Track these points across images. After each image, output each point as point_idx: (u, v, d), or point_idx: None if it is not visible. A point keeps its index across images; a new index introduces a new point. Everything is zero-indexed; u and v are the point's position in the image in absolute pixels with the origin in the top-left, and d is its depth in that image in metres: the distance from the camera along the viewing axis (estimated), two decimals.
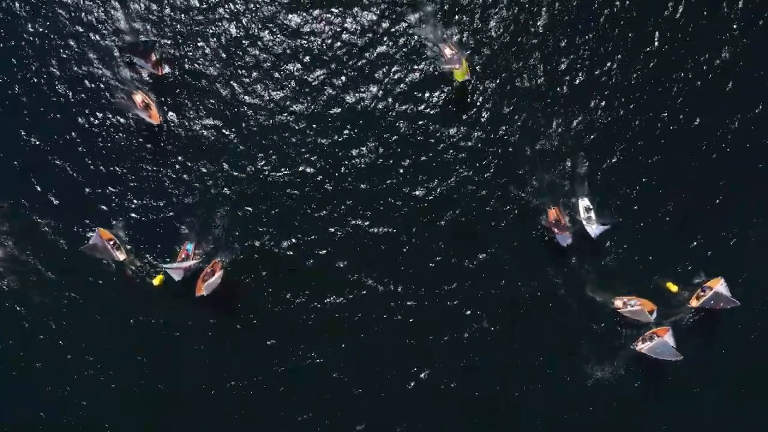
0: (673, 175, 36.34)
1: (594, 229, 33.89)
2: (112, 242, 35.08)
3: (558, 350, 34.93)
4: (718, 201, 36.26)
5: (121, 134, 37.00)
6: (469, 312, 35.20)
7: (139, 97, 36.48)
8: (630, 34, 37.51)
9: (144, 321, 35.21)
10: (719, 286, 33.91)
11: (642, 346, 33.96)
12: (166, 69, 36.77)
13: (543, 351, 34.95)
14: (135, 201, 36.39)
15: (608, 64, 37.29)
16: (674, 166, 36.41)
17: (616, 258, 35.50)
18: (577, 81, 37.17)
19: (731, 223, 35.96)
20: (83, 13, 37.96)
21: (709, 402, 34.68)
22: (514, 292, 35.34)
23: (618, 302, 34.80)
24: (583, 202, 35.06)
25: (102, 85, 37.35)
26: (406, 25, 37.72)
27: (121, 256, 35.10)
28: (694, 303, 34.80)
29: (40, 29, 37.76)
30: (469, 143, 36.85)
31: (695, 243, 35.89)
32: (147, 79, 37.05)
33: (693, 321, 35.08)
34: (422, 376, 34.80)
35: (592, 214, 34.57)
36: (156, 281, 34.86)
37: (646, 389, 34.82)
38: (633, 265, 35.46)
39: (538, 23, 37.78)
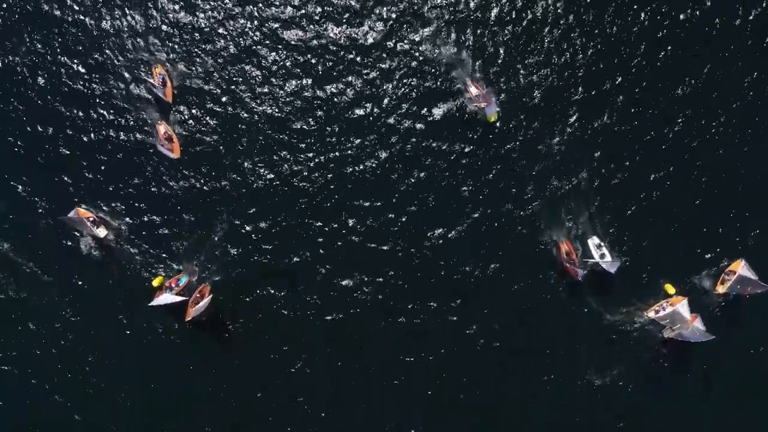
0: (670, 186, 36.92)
1: (610, 265, 33.77)
2: (91, 220, 35.98)
3: (559, 356, 34.78)
4: (713, 204, 36.63)
5: (128, 152, 38.17)
6: (474, 328, 35.34)
7: (162, 129, 37.29)
8: (653, 87, 38.20)
9: (138, 326, 35.74)
10: (741, 268, 33.44)
11: (671, 333, 33.53)
12: (174, 92, 38.05)
13: (545, 357, 34.82)
14: (133, 215, 37.17)
15: (633, 111, 37.82)
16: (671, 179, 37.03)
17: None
18: (599, 125, 37.71)
19: (729, 224, 36.22)
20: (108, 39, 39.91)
21: (713, 400, 34.29)
22: (517, 303, 35.48)
23: (651, 313, 34.42)
24: (593, 241, 35.13)
25: (122, 114, 38.60)
26: (431, 61, 38.31)
27: (101, 232, 36.03)
28: (720, 289, 34.51)
29: (66, 54, 39.54)
30: (487, 176, 37.09)
31: (695, 240, 36.14)
32: (159, 104, 38.06)
33: (720, 309, 34.87)
34: (425, 381, 34.73)
35: (605, 250, 34.64)
36: (156, 282, 35.38)
37: (648, 389, 34.45)
38: (632, 271, 35.34)
39: (566, 67, 38.52)
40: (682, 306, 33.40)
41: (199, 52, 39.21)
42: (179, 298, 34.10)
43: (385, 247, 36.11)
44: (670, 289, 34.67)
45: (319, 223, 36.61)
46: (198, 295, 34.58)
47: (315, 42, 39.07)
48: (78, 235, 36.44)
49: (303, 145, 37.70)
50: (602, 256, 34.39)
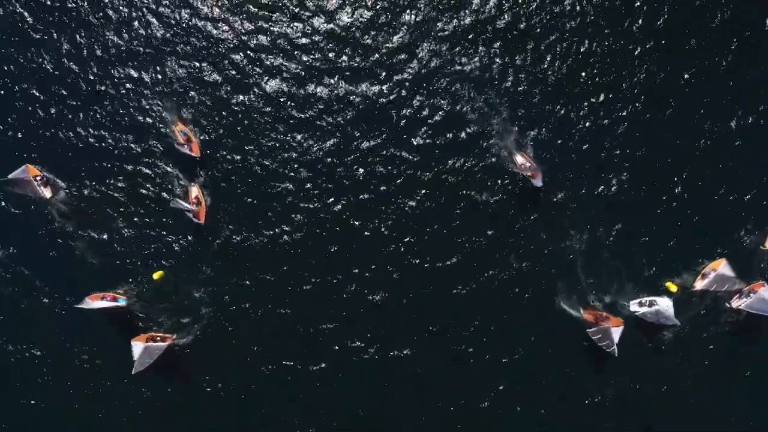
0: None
1: (668, 312, 32.73)
2: (39, 178, 34.37)
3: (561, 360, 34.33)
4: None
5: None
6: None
7: (194, 192, 35.28)
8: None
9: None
10: None
11: (739, 303, 32.77)
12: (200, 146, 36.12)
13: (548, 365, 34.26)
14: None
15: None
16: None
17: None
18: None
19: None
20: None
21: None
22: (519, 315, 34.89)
23: (698, 284, 33.56)
24: (635, 303, 33.68)
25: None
26: (478, 129, 37.13)
27: (47, 193, 34.29)
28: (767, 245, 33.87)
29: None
30: (516, 242, 35.87)
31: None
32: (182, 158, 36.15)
33: None
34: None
35: (647, 298, 33.51)
36: (156, 275, 34.05)
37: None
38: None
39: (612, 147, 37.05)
40: (724, 267, 33.09)
41: (221, 106, 37.75)
42: (113, 304, 32.33)
43: (389, 309, 34.86)
44: (672, 287, 33.83)
45: (333, 280, 35.36)
46: (159, 337, 32.55)
47: (354, 100, 37.95)
48: (22, 197, 34.38)
49: (320, 205, 36.28)
50: (651, 304, 33.09)
